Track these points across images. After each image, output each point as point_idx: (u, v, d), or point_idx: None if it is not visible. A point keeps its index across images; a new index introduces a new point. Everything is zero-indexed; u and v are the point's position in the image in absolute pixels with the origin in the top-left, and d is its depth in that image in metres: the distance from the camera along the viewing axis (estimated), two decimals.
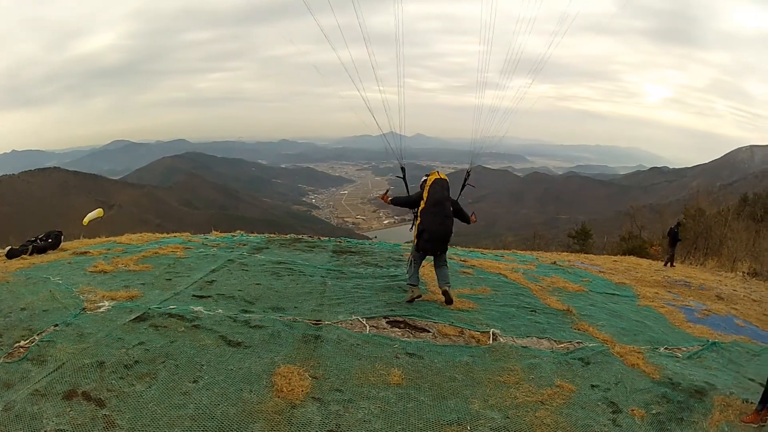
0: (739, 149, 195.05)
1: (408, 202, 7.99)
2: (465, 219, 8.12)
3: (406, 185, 8.32)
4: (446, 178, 7.82)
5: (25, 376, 4.66)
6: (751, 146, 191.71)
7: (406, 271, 8.35)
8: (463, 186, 8.60)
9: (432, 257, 8.08)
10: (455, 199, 7.97)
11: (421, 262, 8.11)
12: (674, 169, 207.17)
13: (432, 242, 7.62)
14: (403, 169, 8.31)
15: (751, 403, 5.63)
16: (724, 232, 27.37)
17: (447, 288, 7.86)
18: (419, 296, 7.85)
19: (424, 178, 7.85)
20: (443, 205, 7.57)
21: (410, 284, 7.94)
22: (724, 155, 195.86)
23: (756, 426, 5.26)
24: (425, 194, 7.59)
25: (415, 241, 7.77)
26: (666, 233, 19.41)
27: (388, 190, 8.26)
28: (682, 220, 31.07)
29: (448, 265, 8.14)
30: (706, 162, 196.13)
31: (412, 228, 7.90)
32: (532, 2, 8.54)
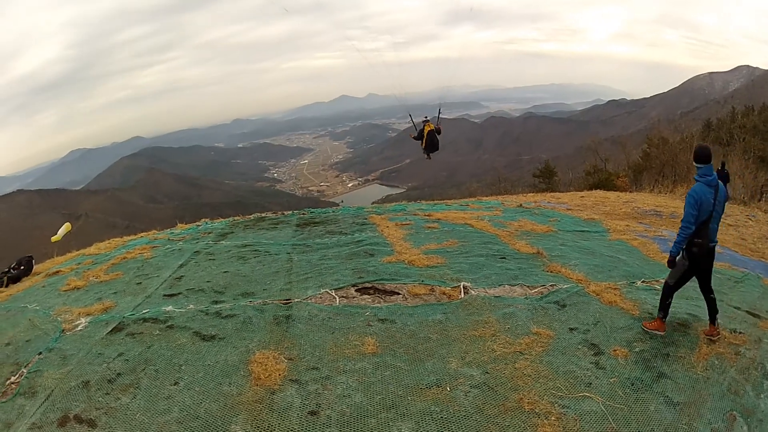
0: (697, 77, 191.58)
1: (419, 137, 14.47)
2: (438, 132, 14.39)
3: (414, 124, 15.10)
4: (434, 127, 14.34)
5: (21, 412, 4.58)
6: (710, 73, 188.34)
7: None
8: (438, 117, 15.08)
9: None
10: (437, 124, 14.60)
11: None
12: (632, 101, 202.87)
13: (434, 146, 14.43)
14: (410, 114, 15.58)
15: (740, 333, 5.56)
16: (691, 159, 27.18)
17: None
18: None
19: (422, 122, 14.54)
20: (434, 135, 14.31)
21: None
22: (682, 84, 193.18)
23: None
24: (425, 133, 14.27)
25: (424, 145, 14.41)
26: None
27: (411, 134, 14.95)
28: (646, 149, 31.09)
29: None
30: (665, 91, 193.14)
31: (422, 143, 14.46)
32: None
